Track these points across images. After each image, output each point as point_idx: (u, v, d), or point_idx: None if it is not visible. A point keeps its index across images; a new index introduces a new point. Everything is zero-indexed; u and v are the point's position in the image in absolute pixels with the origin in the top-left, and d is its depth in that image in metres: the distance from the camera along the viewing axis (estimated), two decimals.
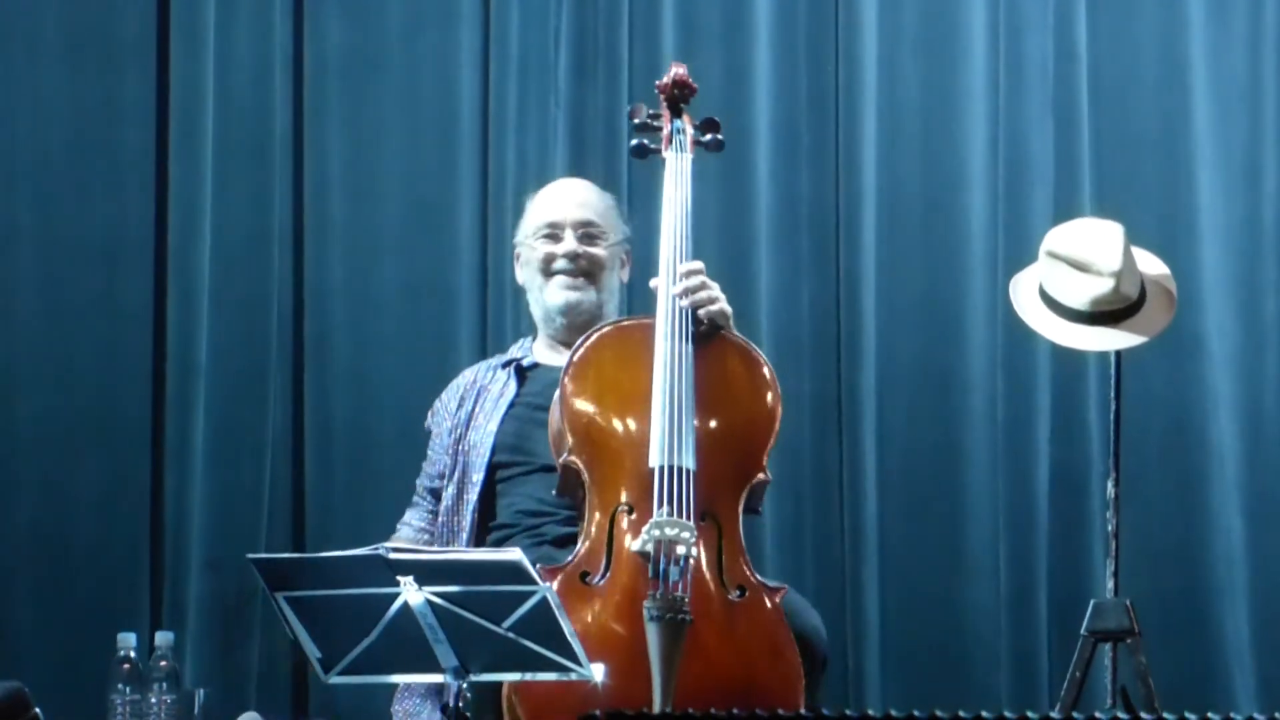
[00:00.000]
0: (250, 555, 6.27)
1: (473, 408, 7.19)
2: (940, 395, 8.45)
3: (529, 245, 7.15)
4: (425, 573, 5.96)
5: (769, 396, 6.70)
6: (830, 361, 8.45)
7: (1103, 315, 6.98)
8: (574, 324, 7.03)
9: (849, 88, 8.59)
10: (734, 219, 8.48)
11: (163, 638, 6.78)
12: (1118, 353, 7.08)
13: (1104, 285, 6.93)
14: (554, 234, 7.12)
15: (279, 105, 8.73)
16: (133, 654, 6.73)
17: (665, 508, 6.34)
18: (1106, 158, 8.41)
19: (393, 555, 5.96)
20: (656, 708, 6.05)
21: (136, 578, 8.16)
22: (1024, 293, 7.13)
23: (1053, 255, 7.00)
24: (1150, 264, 7.08)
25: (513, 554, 5.93)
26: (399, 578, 5.93)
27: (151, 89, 8.78)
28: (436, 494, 7.22)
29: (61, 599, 8.05)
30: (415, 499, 7.26)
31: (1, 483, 8.33)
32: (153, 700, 6.74)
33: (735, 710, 5.57)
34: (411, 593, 5.93)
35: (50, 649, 7.72)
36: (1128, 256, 6.96)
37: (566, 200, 7.27)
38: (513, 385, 7.12)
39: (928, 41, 8.57)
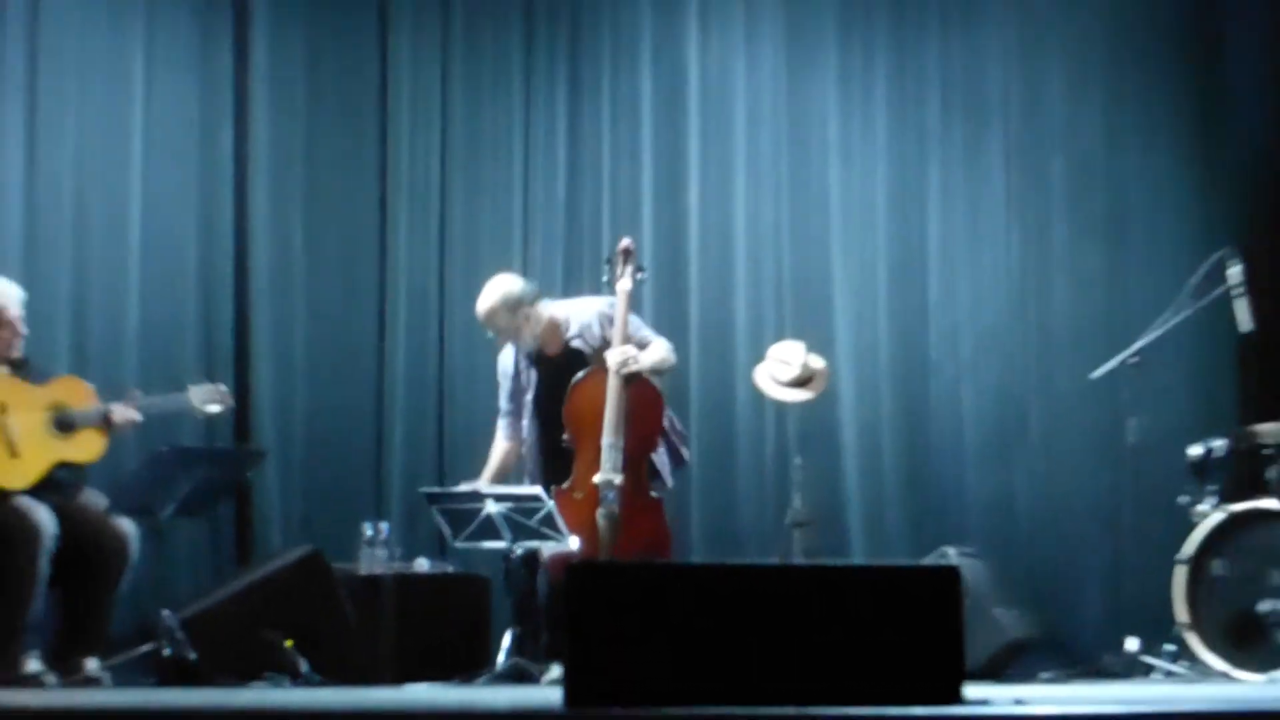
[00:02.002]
0: (421, 489, 6.51)
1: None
2: (724, 419, 7.69)
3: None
4: (496, 498, 5.95)
5: (656, 412, 6.31)
6: (695, 404, 7.63)
7: (793, 384, 6.72)
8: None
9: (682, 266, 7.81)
10: (677, 329, 7.39)
11: (384, 526, 6.61)
12: (803, 402, 6.81)
13: (796, 370, 6.71)
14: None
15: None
16: (369, 533, 6.56)
17: (609, 463, 6.12)
18: (799, 316, 7.67)
19: (484, 490, 6.06)
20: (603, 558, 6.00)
21: (369, 497, 7.40)
22: (760, 375, 6.82)
23: (772, 357, 6.81)
24: (816, 360, 6.76)
25: (535, 490, 6.02)
26: (485, 501, 5.94)
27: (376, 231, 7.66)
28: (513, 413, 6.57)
29: (332, 509, 7.26)
30: (501, 418, 6.58)
31: (306, 457, 7.46)
32: (377, 553, 6.49)
33: (648, 559, 5.92)
34: (492, 506, 5.94)
35: (325, 533, 6.88)
36: (810, 357, 6.72)
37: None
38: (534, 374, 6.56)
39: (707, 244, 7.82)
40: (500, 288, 6.44)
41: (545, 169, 7.81)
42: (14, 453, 5.75)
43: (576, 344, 6.47)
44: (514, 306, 6.39)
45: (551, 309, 6.52)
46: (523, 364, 6.53)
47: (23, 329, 5.97)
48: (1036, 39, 8.03)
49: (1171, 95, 8.05)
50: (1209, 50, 8.03)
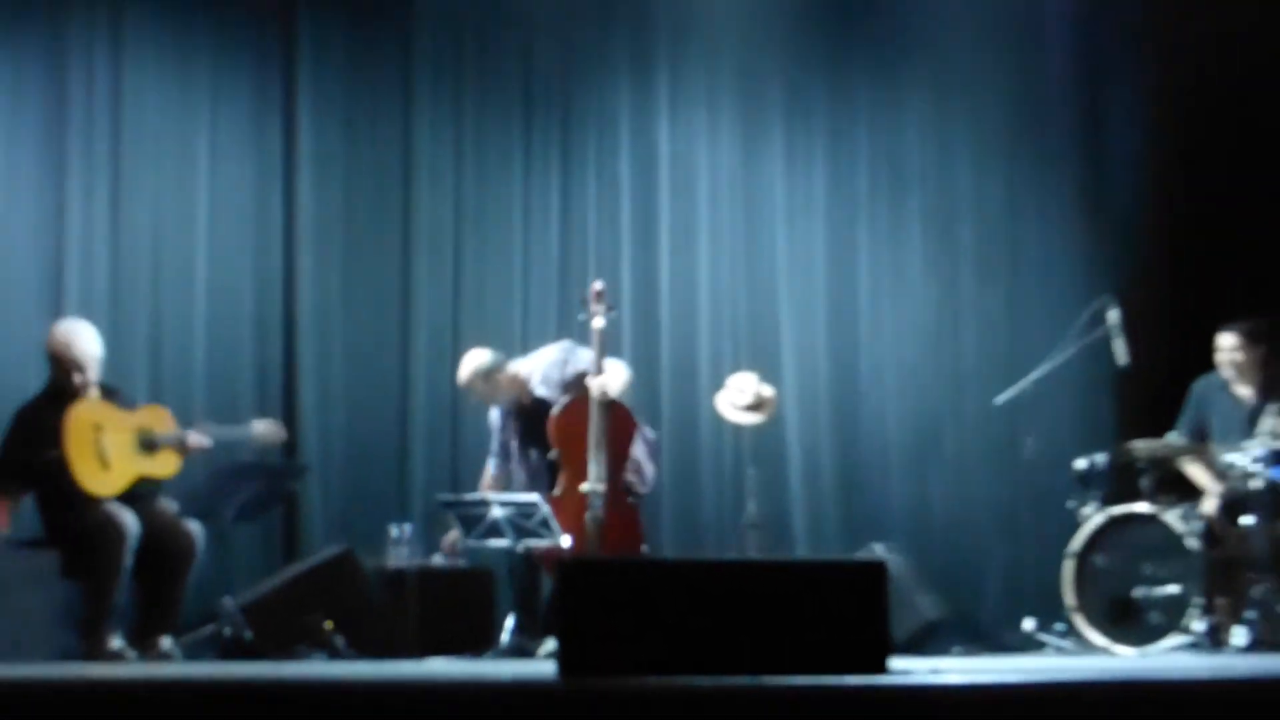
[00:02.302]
0: (438, 497, 6.53)
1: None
2: (690, 438, 7.62)
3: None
4: (500, 504, 6.00)
5: (629, 430, 6.31)
6: (665, 425, 7.47)
7: (747, 408, 6.65)
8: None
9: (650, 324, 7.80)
10: (649, 370, 7.60)
11: (408, 527, 6.55)
12: (756, 424, 6.72)
13: (750, 397, 6.65)
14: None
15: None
16: (395, 533, 6.48)
17: (594, 474, 6.15)
18: (752, 352, 7.61)
19: (489, 498, 6.07)
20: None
21: (395, 504, 7.20)
22: (720, 401, 6.75)
23: (730, 386, 6.74)
24: (767, 389, 6.69)
25: (533, 496, 6.05)
26: (491, 506, 5.99)
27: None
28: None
29: (364, 514, 7.10)
30: (490, 458, 6.64)
31: (343, 471, 7.31)
32: (402, 551, 6.46)
33: (626, 554, 5.97)
34: (497, 511, 5.97)
35: (358, 534, 6.75)
36: (761, 386, 6.62)
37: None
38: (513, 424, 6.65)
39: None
40: (472, 362, 6.54)
41: (541, 230, 7.85)
42: (105, 466, 5.80)
43: (541, 392, 6.51)
44: (486, 375, 6.49)
45: (517, 367, 6.59)
46: (506, 419, 6.60)
47: (90, 373, 5.90)
48: (948, 123, 8.15)
49: (1060, 170, 8.15)
50: (1091, 131, 8.14)
